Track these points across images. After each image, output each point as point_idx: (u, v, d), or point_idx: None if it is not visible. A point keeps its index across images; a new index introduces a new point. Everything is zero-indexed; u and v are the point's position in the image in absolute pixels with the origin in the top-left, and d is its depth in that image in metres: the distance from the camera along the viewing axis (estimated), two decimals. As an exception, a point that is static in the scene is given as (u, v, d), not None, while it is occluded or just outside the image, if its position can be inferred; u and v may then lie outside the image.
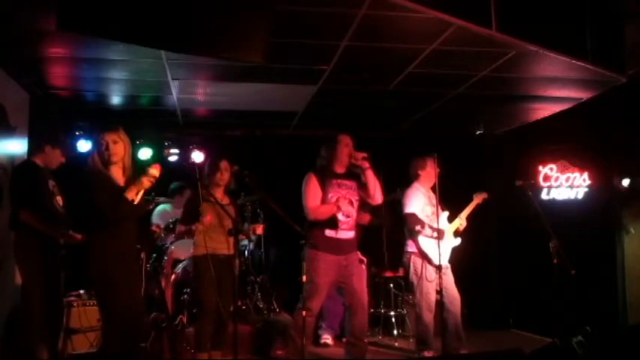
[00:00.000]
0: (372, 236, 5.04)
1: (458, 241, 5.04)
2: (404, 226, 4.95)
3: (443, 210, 5.03)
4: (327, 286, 4.24)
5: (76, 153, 5.94)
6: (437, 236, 4.67)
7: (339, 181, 4.31)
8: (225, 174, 4.44)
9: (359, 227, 4.50)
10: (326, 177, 4.28)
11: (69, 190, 4.26)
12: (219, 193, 4.43)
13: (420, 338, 4.90)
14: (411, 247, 4.92)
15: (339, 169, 4.34)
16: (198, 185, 4.31)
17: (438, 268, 4.56)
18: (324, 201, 4.23)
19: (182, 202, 5.04)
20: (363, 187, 4.35)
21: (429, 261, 4.75)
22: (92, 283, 3.71)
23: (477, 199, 5.10)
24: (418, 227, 4.79)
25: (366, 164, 4.25)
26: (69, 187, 4.23)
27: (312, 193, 4.24)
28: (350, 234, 4.29)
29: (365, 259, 4.34)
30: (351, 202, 4.31)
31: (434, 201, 4.84)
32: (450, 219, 5.06)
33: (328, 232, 4.21)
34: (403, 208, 4.91)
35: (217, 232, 4.34)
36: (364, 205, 4.53)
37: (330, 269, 4.17)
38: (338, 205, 4.16)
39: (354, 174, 4.38)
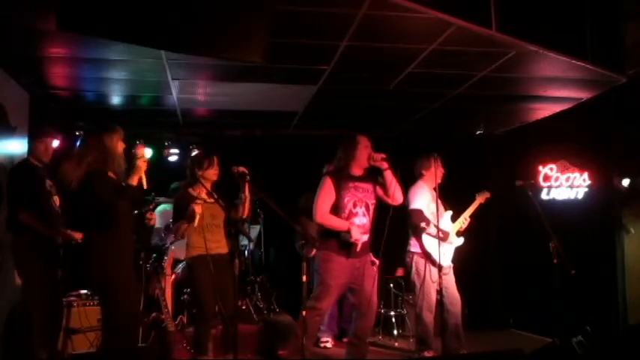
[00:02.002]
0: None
1: (461, 240, 5.04)
2: (408, 223, 4.94)
3: (446, 209, 5.04)
4: (339, 288, 4.21)
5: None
6: (440, 236, 4.68)
7: (355, 184, 4.24)
8: (217, 169, 4.38)
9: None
10: (342, 180, 4.21)
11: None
12: (208, 189, 4.32)
13: (420, 338, 4.90)
14: (413, 247, 4.92)
15: (357, 171, 4.27)
16: (189, 184, 4.28)
17: (440, 267, 4.56)
18: (338, 204, 4.17)
19: None
20: (382, 188, 4.31)
21: (432, 261, 4.74)
22: (93, 282, 3.71)
23: (480, 199, 5.10)
24: (423, 224, 4.77)
25: (385, 165, 4.20)
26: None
27: (325, 197, 4.17)
28: (364, 237, 4.21)
29: (377, 261, 4.31)
30: (367, 206, 4.27)
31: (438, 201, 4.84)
32: (453, 219, 5.07)
33: (344, 236, 4.14)
34: (409, 204, 4.89)
35: (212, 232, 4.29)
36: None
37: (343, 271, 4.13)
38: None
39: (371, 176, 4.33)
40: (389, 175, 4.23)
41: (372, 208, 4.30)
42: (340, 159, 4.32)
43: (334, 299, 4.29)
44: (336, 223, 4.14)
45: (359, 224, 4.18)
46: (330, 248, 4.14)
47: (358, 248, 4.12)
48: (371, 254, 4.32)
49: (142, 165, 3.63)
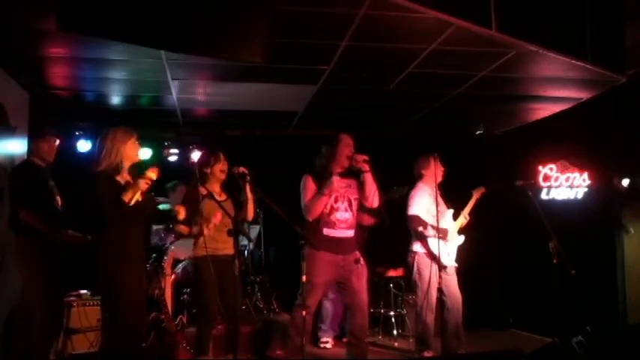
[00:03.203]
0: (371, 236, 5.02)
1: (462, 238, 5.04)
2: (409, 227, 4.94)
3: (448, 208, 5.04)
4: (324, 285, 4.23)
5: (76, 153, 5.97)
6: (440, 236, 4.68)
7: (337, 179, 4.28)
8: (225, 165, 4.34)
9: (360, 227, 4.48)
10: (323, 177, 4.25)
11: (74, 190, 4.25)
12: (216, 188, 4.33)
13: (419, 338, 4.90)
14: (415, 247, 4.92)
15: (338, 169, 4.32)
16: (197, 183, 4.26)
17: (444, 268, 4.55)
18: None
19: (177, 198, 5.01)
20: (360, 187, 4.34)
21: (439, 262, 4.73)
22: (100, 283, 3.70)
23: (476, 195, 5.12)
24: (420, 229, 4.79)
25: (366, 167, 4.23)
26: (73, 187, 4.21)
27: (308, 193, 4.23)
28: (349, 233, 4.26)
29: (361, 259, 4.31)
30: (349, 201, 4.29)
31: (439, 199, 4.84)
32: (454, 217, 5.07)
33: (326, 231, 4.20)
34: (407, 209, 4.91)
35: (220, 232, 4.20)
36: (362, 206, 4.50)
37: (327, 268, 4.15)
38: (331, 190, 4.14)
39: (353, 172, 4.36)
40: (369, 178, 4.26)
41: (355, 203, 4.32)
42: (322, 156, 4.37)
43: (320, 296, 4.34)
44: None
45: (341, 219, 4.22)
46: (314, 245, 4.13)
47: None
48: (357, 252, 4.32)
49: (142, 186, 3.56)
